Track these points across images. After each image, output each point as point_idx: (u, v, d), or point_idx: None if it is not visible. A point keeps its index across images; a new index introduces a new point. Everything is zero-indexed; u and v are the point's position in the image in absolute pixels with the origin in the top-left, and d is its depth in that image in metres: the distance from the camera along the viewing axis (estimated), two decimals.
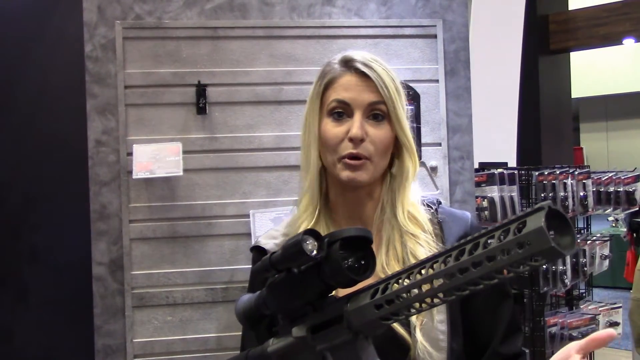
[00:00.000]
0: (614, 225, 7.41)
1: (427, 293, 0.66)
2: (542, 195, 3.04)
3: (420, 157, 1.76)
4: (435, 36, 1.94)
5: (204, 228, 1.82)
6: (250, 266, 1.63)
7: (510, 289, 1.26)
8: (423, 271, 0.67)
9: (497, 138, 4.46)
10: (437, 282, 0.65)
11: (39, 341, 2.59)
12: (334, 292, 0.79)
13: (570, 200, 3.09)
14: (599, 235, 3.56)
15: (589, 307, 3.31)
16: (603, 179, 3.44)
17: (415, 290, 0.67)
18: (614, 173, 3.50)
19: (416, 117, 1.89)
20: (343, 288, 0.76)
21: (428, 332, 1.11)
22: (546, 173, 3.07)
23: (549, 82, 6.33)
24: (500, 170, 3.06)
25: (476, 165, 2.93)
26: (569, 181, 3.10)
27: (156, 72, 1.83)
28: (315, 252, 0.74)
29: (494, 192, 3.01)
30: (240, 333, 1.29)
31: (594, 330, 3.14)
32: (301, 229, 1.17)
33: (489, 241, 0.61)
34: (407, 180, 1.20)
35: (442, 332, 1.12)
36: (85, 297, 1.84)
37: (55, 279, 2.62)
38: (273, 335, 0.85)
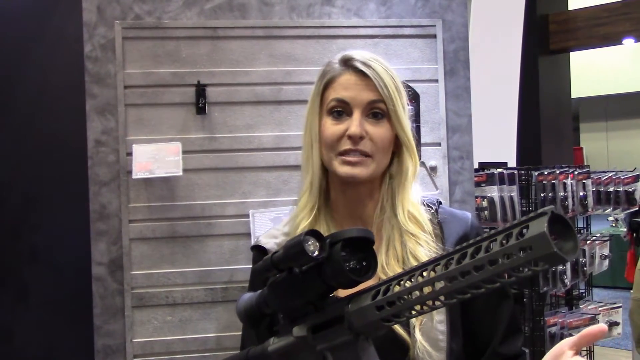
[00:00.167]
0: (613, 225, 7.41)
1: (429, 295, 0.66)
2: (542, 195, 3.04)
3: (420, 156, 1.76)
4: (434, 36, 1.94)
5: (204, 228, 1.82)
6: (250, 266, 1.63)
7: (510, 289, 1.26)
8: (425, 273, 0.67)
9: (497, 138, 4.46)
10: (439, 285, 0.65)
11: (39, 341, 2.59)
12: (335, 292, 0.79)
13: (570, 200, 3.09)
14: (598, 235, 3.56)
15: (589, 307, 3.31)
16: (603, 178, 3.44)
17: (417, 293, 0.67)
18: (614, 173, 3.50)
19: (416, 117, 1.89)
20: (344, 289, 0.76)
21: (427, 332, 1.11)
22: (546, 173, 3.07)
23: (549, 82, 6.33)
24: (500, 170, 3.06)
25: (476, 165, 2.93)
26: (568, 181, 3.10)
27: (156, 72, 1.83)
28: (316, 252, 0.74)
29: (493, 192, 3.01)
30: (240, 333, 1.29)
31: None
32: (300, 227, 1.17)
33: (491, 245, 0.61)
34: (406, 179, 1.20)
35: (442, 332, 1.12)
36: (85, 297, 1.84)
37: (55, 279, 2.62)
38: (274, 334, 0.85)
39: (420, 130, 1.89)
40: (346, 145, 1.15)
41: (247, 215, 1.82)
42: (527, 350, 2.71)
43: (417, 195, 1.23)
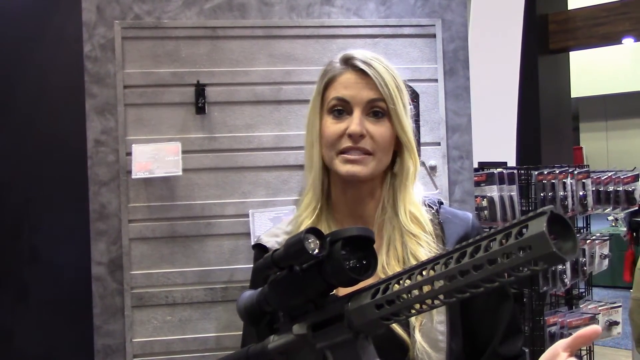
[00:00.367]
0: (613, 224, 7.41)
1: (428, 294, 0.67)
2: (542, 194, 3.04)
3: (419, 156, 1.76)
4: (434, 36, 1.94)
5: (203, 228, 1.82)
6: (250, 265, 1.63)
7: (510, 290, 1.26)
8: (424, 272, 0.67)
9: (496, 138, 4.46)
10: (438, 284, 0.65)
11: (39, 341, 2.59)
12: (335, 291, 0.79)
13: (569, 199, 3.09)
14: (598, 234, 3.57)
15: (589, 307, 3.31)
16: (602, 178, 3.44)
17: (416, 292, 0.67)
18: (614, 172, 3.50)
19: (416, 117, 1.89)
20: (344, 287, 0.76)
21: (427, 332, 1.11)
22: (546, 172, 3.07)
23: (548, 81, 6.33)
24: (499, 169, 3.06)
25: (475, 165, 2.94)
26: (568, 181, 3.10)
27: (155, 72, 1.83)
28: (317, 250, 0.74)
29: (493, 191, 3.01)
30: (239, 333, 1.29)
31: None
32: (303, 227, 1.18)
33: (490, 244, 0.61)
34: (407, 179, 1.20)
35: (442, 332, 1.12)
36: (85, 297, 1.84)
37: (55, 279, 2.62)
38: (274, 332, 0.86)
39: (419, 130, 1.89)
40: (346, 143, 1.15)
41: (247, 215, 1.82)
42: (527, 350, 2.71)
43: (419, 195, 1.23)
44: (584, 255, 3.24)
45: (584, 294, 3.48)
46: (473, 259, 0.62)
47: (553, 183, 3.05)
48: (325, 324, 0.78)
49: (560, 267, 3.01)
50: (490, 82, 4.44)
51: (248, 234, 1.82)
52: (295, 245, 0.75)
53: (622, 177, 3.45)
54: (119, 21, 1.82)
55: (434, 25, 1.94)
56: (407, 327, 1.10)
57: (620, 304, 3.40)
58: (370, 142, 1.15)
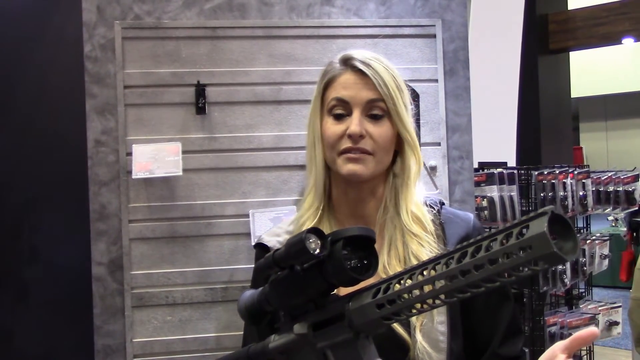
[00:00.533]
0: (613, 224, 7.41)
1: (429, 294, 0.67)
2: (542, 194, 3.04)
3: None
4: (434, 36, 1.94)
5: (204, 228, 1.82)
6: (251, 265, 1.63)
7: (510, 290, 1.26)
8: (425, 272, 0.67)
9: (496, 138, 4.46)
10: (439, 284, 0.66)
11: (39, 341, 2.59)
12: (336, 290, 0.79)
13: (569, 199, 3.09)
14: (598, 234, 3.57)
15: (589, 307, 3.31)
16: (602, 178, 3.44)
17: (417, 291, 0.67)
18: (614, 172, 3.51)
19: (416, 117, 1.89)
20: (345, 287, 0.76)
21: (428, 332, 1.11)
22: (546, 173, 3.07)
23: (548, 81, 6.34)
24: (499, 169, 3.06)
25: (476, 165, 2.94)
26: (568, 181, 3.10)
27: (155, 72, 1.83)
28: (318, 250, 0.74)
29: (493, 191, 3.01)
30: (240, 333, 1.29)
31: None
32: (304, 227, 1.18)
33: (491, 244, 0.61)
34: (409, 178, 1.20)
35: (442, 333, 1.12)
36: (85, 297, 1.84)
37: (55, 279, 2.62)
38: (275, 331, 0.86)
39: (420, 130, 1.89)
40: (347, 144, 1.15)
41: (247, 215, 1.82)
42: (527, 350, 2.71)
43: (421, 195, 1.23)
44: (584, 256, 3.24)
45: (584, 294, 3.49)
46: (474, 259, 0.62)
47: (553, 183, 3.06)
48: (326, 323, 0.78)
49: (560, 267, 3.01)
50: (490, 82, 4.44)
51: (248, 234, 1.82)
52: (296, 245, 0.75)
53: (622, 177, 3.45)
54: (119, 21, 1.82)
55: (434, 25, 1.94)
56: (407, 327, 1.10)
57: (620, 304, 3.40)
58: (370, 142, 1.15)
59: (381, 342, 0.80)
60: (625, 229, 6.55)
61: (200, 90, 1.82)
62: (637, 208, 3.71)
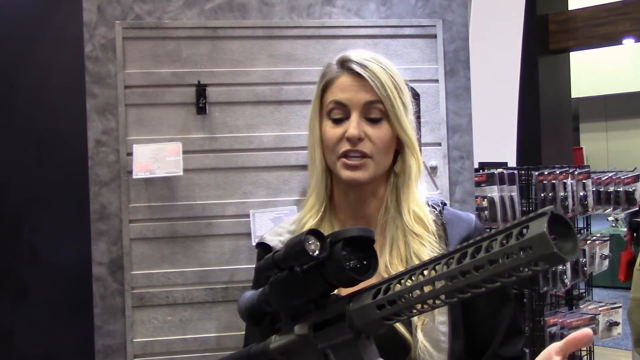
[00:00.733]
0: (613, 225, 7.41)
1: (429, 294, 0.67)
2: (542, 195, 3.04)
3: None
4: (435, 36, 1.94)
5: (204, 228, 1.82)
6: (251, 265, 1.63)
7: (512, 291, 1.26)
8: (425, 272, 0.67)
9: (497, 138, 4.47)
10: (439, 284, 0.66)
11: (39, 341, 2.59)
12: (337, 290, 0.79)
13: (570, 200, 3.09)
14: (598, 235, 3.57)
15: (589, 307, 3.31)
16: (603, 178, 3.44)
17: (417, 292, 0.67)
18: (614, 173, 3.51)
19: (417, 116, 1.89)
20: (345, 287, 0.76)
21: (429, 332, 1.11)
22: (546, 173, 3.07)
23: (549, 82, 6.34)
24: (500, 170, 3.06)
25: (476, 165, 2.94)
26: (568, 181, 3.10)
27: (156, 72, 1.83)
28: (317, 252, 0.74)
29: (493, 192, 3.01)
30: (240, 333, 1.29)
31: (593, 330, 3.14)
32: (306, 227, 1.18)
33: (491, 245, 0.62)
34: (410, 178, 1.20)
35: (444, 333, 1.12)
36: (85, 297, 1.84)
37: (55, 279, 2.62)
38: (275, 331, 0.86)
39: (420, 130, 1.89)
40: (345, 147, 1.15)
41: (248, 215, 1.82)
42: (527, 351, 2.71)
43: (422, 195, 1.23)
44: (584, 256, 3.24)
45: (584, 294, 3.49)
46: (474, 260, 0.62)
47: (553, 183, 3.06)
48: (327, 324, 0.78)
49: (560, 267, 3.01)
50: (491, 82, 4.44)
51: (249, 234, 1.82)
52: (295, 247, 0.75)
53: (622, 177, 3.45)
54: (119, 21, 1.82)
55: (434, 25, 1.94)
56: (409, 326, 1.10)
57: (620, 305, 3.40)
58: (368, 144, 1.15)
59: (382, 342, 0.80)
60: (625, 229, 6.54)
61: (200, 90, 1.82)
62: (637, 208, 3.71)
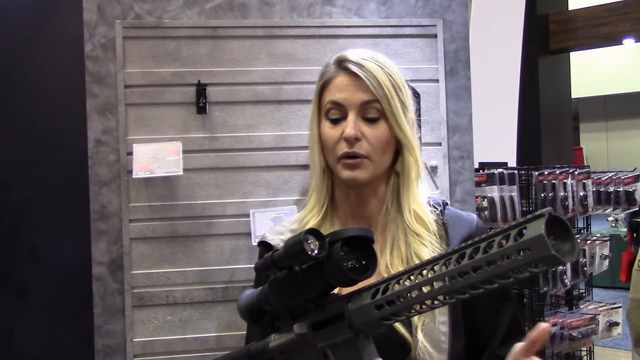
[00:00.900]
0: (613, 225, 7.40)
1: (428, 295, 0.67)
2: (542, 195, 3.04)
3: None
4: (435, 36, 1.94)
5: (204, 228, 1.82)
6: (251, 265, 1.63)
7: (512, 292, 1.26)
8: (424, 272, 0.67)
9: (497, 138, 4.46)
10: (438, 284, 0.66)
11: (39, 341, 2.59)
12: (337, 290, 0.79)
13: (570, 200, 3.09)
14: (598, 235, 3.57)
15: (589, 307, 3.31)
16: (603, 178, 3.44)
17: (416, 292, 0.67)
18: (614, 173, 3.51)
19: (417, 116, 1.89)
20: (344, 287, 0.76)
21: (429, 332, 1.11)
22: (546, 173, 3.07)
23: (549, 82, 6.33)
24: (500, 170, 3.06)
25: (476, 165, 2.94)
26: (568, 181, 3.10)
27: (156, 71, 1.83)
28: (316, 251, 0.74)
29: (493, 192, 3.01)
30: (240, 332, 1.29)
31: (593, 330, 3.14)
32: (308, 227, 1.18)
33: (489, 246, 0.61)
34: (409, 178, 1.20)
35: (444, 333, 1.12)
36: (85, 297, 1.84)
37: (55, 279, 2.62)
38: (275, 330, 0.86)
39: (421, 130, 1.89)
40: (344, 148, 1.15)
41: (248, 215, 1.82)
42: None
43: (424, 195, 1.23)
44: (584, 256, 3.24)
45: (584, 294, 3.49)
46: (472, 260, 0.62)
47: (553, 183, 3.05)
48: (326, 323, 0.78)
49: (560, 267, 3.01)
50: (491, 82, 4.44)
51: (249, 234, 1.82)
52: (294, 246, 0.75)
53: (622, 177, 3.45)
54: (119, 21, 1.82)
55: (435, 25, 1.94)
56: (409, 326, 1.10)
57: (620, 305, 3.40)
58: (366, 145, 1.15)
59: (382, 342, 0.80)
60: (625, 229, 6.54)
61: (200, 89, 1.82)
62: (637, 208, 3.71)
